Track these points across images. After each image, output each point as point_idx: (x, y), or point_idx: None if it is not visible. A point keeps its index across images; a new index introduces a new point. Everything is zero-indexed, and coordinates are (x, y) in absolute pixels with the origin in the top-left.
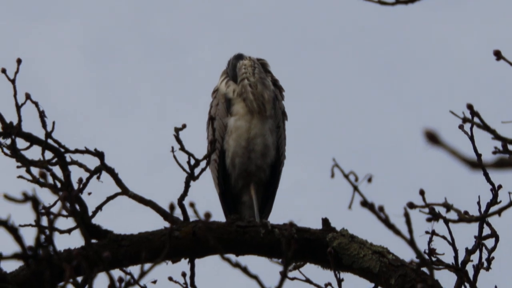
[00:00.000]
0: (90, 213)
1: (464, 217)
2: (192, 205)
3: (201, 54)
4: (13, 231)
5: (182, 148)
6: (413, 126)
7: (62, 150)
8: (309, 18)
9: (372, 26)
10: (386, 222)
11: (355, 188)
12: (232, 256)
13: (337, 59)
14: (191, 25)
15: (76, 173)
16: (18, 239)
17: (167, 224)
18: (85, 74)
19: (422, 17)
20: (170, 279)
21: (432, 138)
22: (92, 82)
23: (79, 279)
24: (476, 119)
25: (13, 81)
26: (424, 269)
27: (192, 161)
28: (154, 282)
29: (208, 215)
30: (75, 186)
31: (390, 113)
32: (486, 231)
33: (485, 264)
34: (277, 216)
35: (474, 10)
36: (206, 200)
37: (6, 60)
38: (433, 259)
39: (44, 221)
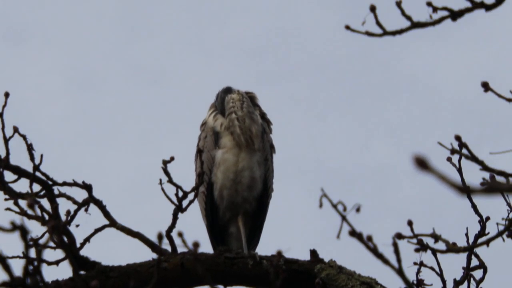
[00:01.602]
0: (78, 245)
1: (453, 248)
2: (180, 234)
3: (185, 80)
4: (1, 260)
5: (170, 181)
6: (401, 155)
7: (50, 182)
8: (294, 45)
9: (359, 54)
10: (375, 251)
11: (344, 218)
12: (220, 287)
13: (323, 86)
14: (175, 52)
15: (64, 206)
16: (6, 267)
17: (155, 256)
18: (68, 99)
19: (410, 46)
20: None
21: (422, 164)
22: (76, 107)
23: None
24: (464, 151)
25: (0, 115)
26: None
27: (180, 193)
28: None
29: (196, 244)
30: (63, 218)
31: (378, 142)
32: (474, 262)
33: None
34: (265, 245)
35: (461, 40)
36: (194, 232)
37: None
38: None
39: (32, 253)
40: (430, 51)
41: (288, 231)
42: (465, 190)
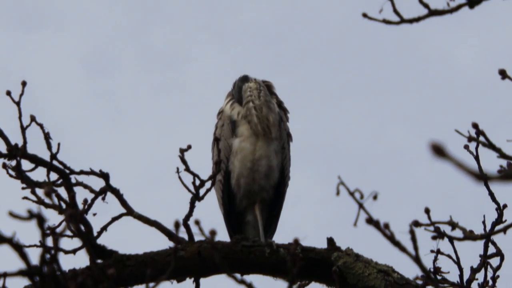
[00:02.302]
0: (95, 234)
1: (469, 236)
2: (197, 222)
3: (200, 64)
4: (18, 248)
5: (187, 169)
6: (419, 143)
7: (67, 171)
8: (310, 31)
9: (377, 41)
10: (392, 239)
11: (361, 206)
12: (237, 275)
13: (341, 73)
14: (190, 36)
15: (81, 194)
16: (23, 256)
17: (172, 244)
18: (85, 85)
19: (428, 33)
20: None
21: (438, 151)
22: (92, 93)
23: None
24: (481, 138)
25: (18, 104)
26: None
27: (197, 182)
28: None
29: (213, 232)
30: (80, 207)
31: (396, 130)
32: (491, 249)
33: (490, 283)
34: (282, 234)
35: (479, 24)
36: (211, 220)
37: (6, 74)
38: (438, 277)
39: (49, 242)
40: (447, 35)
41: (305, 219)
42: (482, 177)
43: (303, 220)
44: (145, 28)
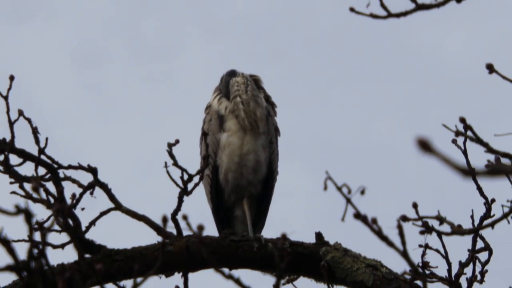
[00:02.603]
0: (83, 228)
1: (458, 230)
2: (185, 217)
3: (189, 56)
4: (6, 243)
5: (176, 164)
6: (407, 136)
7: (55, 166)
8: (299, 23)
9: (365, 34)
10: (379, 234)
11: (348, 201)
12: (225, 270)
13: (330, 65)
14: (179, 28)
15: (70, 189)
16: (11, 251)
17: (160, 239)
18: (73, 78)
19: (415, 26)
20: None
21: (425, 146)
22: (80, 86)
23: None
24: (469, 132)
25: (5, 98)
26: (418, 282)
27: (186, 176)
28: None
29: (201, 227)
30: (69, 201)
31: (384, 123)
32: (480, 244)
33: (479, 277)
34: (271, 228)
35: (466, 16)
36: (199, 215)
37: None
38: (427, 272)
39: (37, 236)
40: (434, 28)
41: (293, 214)
42: (469, 172)
43: (292, 215)
44: (134, 20)
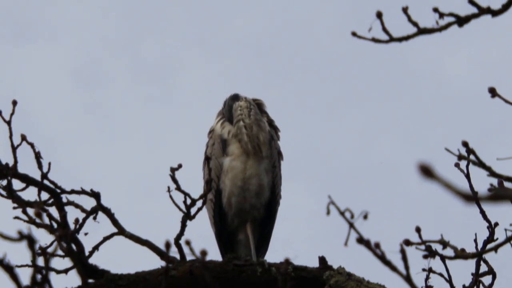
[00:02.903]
0: (87, 253)
1: (461, 254)
2: (188, 243)
3: (190, 76)
4: (9, 269)
5: (178, 188)
6: (409, 157)
7: (58, 190)
8: (300, 43)
9: (367, 54)
10: (383, 258)
11: (351, 225)
12: None
13: (332, 86)
14: (180, 47)
15: (73, 214)
16: (14, 277)
17: (163, 263)
18: (74, 98)
19: (418, 46)
20: None
21: (426, 171)
22: (82, 105)
23: None
24: (471, 156)
25: (8, 123)
26: None
27: (189, 201)
28: None
29: (204, 252)
30: (72, 226)
31: (386, 143)
32: (483, 268)
33: None
34: (274, 253)
35: (469, 39)
36: (203, 239)
37: None
38: None
39: (40, 261)
40: (437, 48)
41: (296, 237)
42: (471, 198)
43: (295, 238)
44: (136, 40)
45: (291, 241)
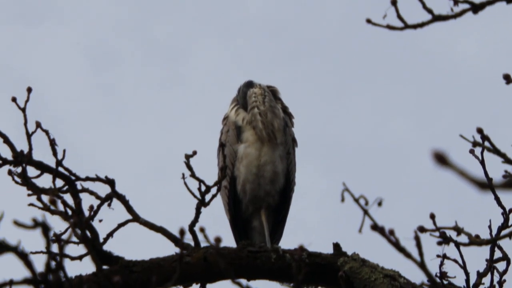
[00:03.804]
0: (101, 240)
1: (475, 241)
2: (202, 230)
3: (202, 58)
4: (23, 256)
5: (193, 175)
6: (422, 139)
7: (73, 177)
8: (312, 26)
9: (379, 36)
10: (397, 245)
11: (365, 212)
12: (243, 281)
13: (343, 68)
14: (192, 29)
15: (87, 200)
16: (29, 264)
17: (178, 250)
18: (87, 79)
19: (429, 29)
20: None
21: (441, 159)
22: (94, 87)
23: None
24: (486, 143)
25: (23, 110)
26: None
27: (203, 188)
28: None
29: (218, 239)
30: (86, 213)
31: (399, 125)
32: (498, 254)
33: (497, 287)
34: (288, 239)
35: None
36: (217, 225)
37: (8, 70)
38: (445, 282)
39: (55, 248)
40: (450, 30)
41: (310, 223)
42: (485, 186)
43: (309, 224)
44: (148, 21)
45: (306, 228)
